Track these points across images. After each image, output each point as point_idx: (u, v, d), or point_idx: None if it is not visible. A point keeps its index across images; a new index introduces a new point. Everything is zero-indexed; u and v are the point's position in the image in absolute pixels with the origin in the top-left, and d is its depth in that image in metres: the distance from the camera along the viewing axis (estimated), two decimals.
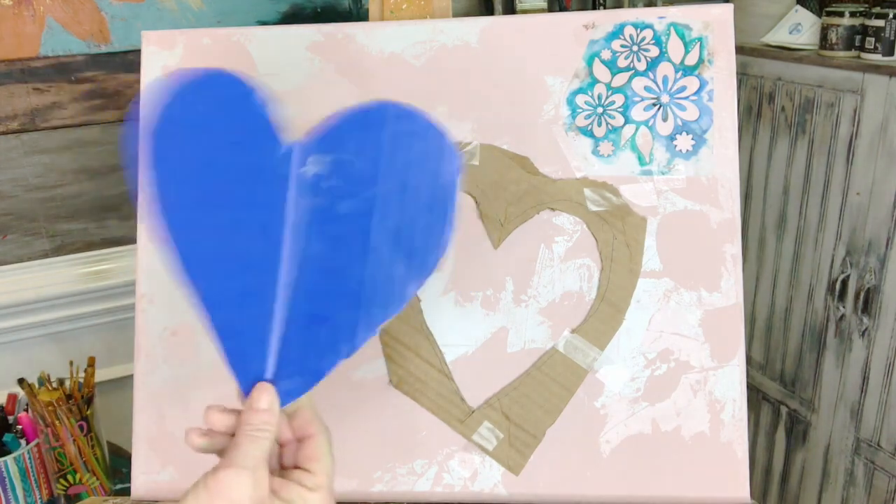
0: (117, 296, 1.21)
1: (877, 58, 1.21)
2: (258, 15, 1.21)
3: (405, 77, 0.71)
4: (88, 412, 0.97)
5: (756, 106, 1.43)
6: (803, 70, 1.31)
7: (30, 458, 0.94)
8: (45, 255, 1.19)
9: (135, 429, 0.71)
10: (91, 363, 1.01)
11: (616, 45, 0.70)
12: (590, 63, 0.70)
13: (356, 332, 0.49)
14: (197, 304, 0.49)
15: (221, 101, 0.50)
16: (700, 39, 0.69)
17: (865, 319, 1.25)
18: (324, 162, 0.49)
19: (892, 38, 1.19)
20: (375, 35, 0.71)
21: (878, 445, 1.26)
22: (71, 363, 1.00)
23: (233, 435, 0.47)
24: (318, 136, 0.50)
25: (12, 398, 0.99)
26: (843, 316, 1.29)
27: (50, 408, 0.94)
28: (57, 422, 0.94)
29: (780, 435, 1.49)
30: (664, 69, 0.70)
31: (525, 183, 0.70)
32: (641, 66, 0.70)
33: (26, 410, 0.97)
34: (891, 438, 1.24)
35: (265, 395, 0.47)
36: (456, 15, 1.23)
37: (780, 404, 1.48)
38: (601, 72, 0.70)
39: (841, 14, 1.26)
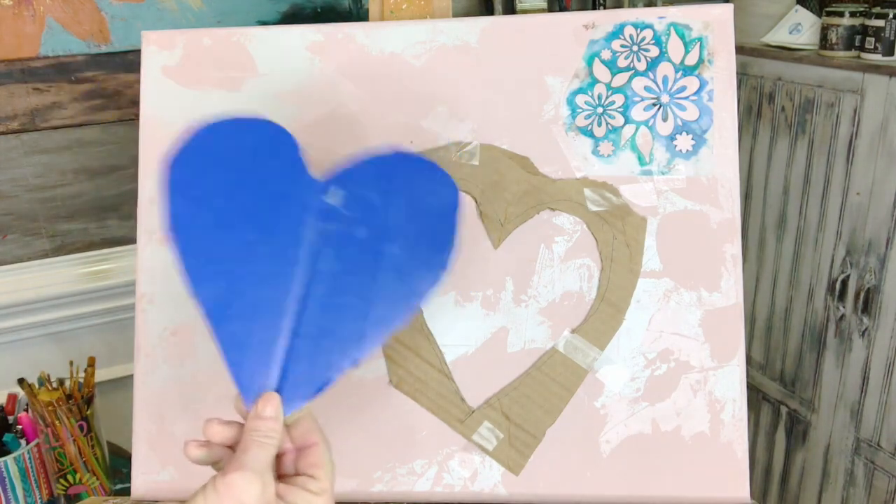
0: (117, 296, 1.21)
1: (877, 58, 1.21)
2: (258, 15, 1.21)
3: (405, 77, 0.71)
4: (88, 412, 0.97)
5: (756, 106, 1.43)
6: (803, 70, 1.31)
7: (30, 458, 0.94)
8: (45, 255, 1.19)
9: (135, 429, 0.71)
10: (91, 363, 1.00)
11: (616, 45, 0.70)
12: (590, 63, 0.70)
13: (362, 344, 0.54)
14: (203, 315, 0.53)
15: (262, 141, 0.57)
16: (700, 39, 0.69)
17: (865, 319, 1.25)
18: (343, 194, 0.56)
19: (892, 38, 1.19)
20: (375, 35, 0.71)
21: (878, 445, 1.26)
22: (71, 363, 1.00)
23: (230, 447, 0.49)
24: (341, 172, 0.57)
25: (12, 398, 0.99)
26: (843, 316, 1.29)
27: (50, 408, 0.94)
28: (57, 422, 0.94)
29: (780, 435, 1.49)
30: (664, 69, 0.70)
31: (525, 183, 0.70)
32: (641, 66, 0.70)
33: (26, 410, 0.97)
34: (891, 438, 1.24)
35: (271, 404, 0.50)
36: (456, 15, 1.23)
37: (780, 404, 1.48)
38: (601, 72, 0.70)
39: (841, 14, 1.26)
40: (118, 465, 1.05)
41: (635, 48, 0.70)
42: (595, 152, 0.70)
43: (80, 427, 0.96)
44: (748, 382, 1.33)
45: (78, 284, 1.18)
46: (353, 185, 0.57)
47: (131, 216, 1.22)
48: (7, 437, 0.94)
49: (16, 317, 1.16)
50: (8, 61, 1.10)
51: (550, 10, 1.35)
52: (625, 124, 0.70)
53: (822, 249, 1.32)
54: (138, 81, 0.73)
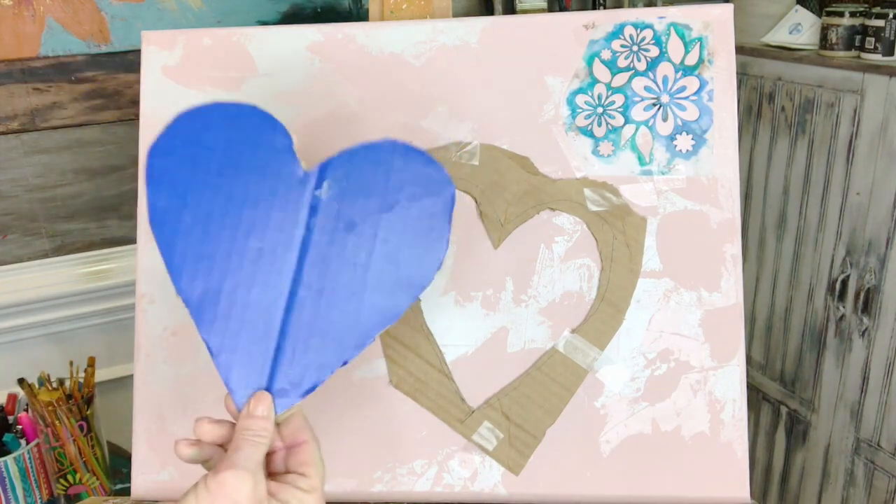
0: (117, 296, 1.21)
1: (877, 58, 1.21)
2: (258, 15, 1.21)
3: (405, 77, 0.71)
4: (88, 412, 0.97)
5: (756, 106, 1.43)
6: (803, 70, 1.31)
7: (30, 458, 0.94)
8: (45, 255, 1.19)
9: (135, 429, 0.71)
10: (91, 363, 1.01)
11: (616, 45, 0.70)
12: (590, 63, 0.70)
13: (352, 344, 0.53)
14: (192, 317, 0.52)
15: (248, 130, 0.54)
16: (700, 39, 0.69)
17: (865, 319, 1.25)
18: (337, 187, 0.54)
19: (892, 38, 1.19)
20: (375, 35, 0.71)
21: (878, 445, 1.26)
22: (71, 363, 1.00)
23: (220, 445, 0.50)
24: (334, 164, 0.55)
25: (12, 398, 0.99)
26: (843, 316, 1.29)
27: (50, 408, 0.94)
28: (57, 422, 0.94)
29: (780, 435, 1.49)
30: (664, 69, 0.70)
31: (525, 183, 0.70)
32: (641, 66, 0.70)
33: (26, 410, 0.97)
34: (891, 438, 1.24)
35: (263, 403, 0.50)
36: (456, 15, 1.23)
37: (780, 404, 1.48)
38: (601, 72, 0.70)
39: (841, 14, 1.26)
40: (118, 465, 1.05)
41: (635, 48, 0.70)
42: (595, 152, 0.70)
43: (80, 427, 0.96)
44: (748, 382, 1.33)
45: (78, 284, 1.18)
46: (344, 177, 0.55)
47: (131, 216, 1.22)
48: (7, 437, 0.94)
49: (16, 317, 1.16)
50: (8, 61, 1.10)
51: (550, 10, 1.35)
52: (625, 124, 0.70)
53: (822, 249, 1.32)
54: (138, 81, 0.73)
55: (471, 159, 0.71)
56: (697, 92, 0.69)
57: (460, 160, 0.71)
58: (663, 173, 0.70)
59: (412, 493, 0.70)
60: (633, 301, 0.69)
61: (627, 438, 0.69)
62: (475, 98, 0.71)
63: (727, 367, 0.69)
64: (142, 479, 0.71)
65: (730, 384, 0.69)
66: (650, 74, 0.70)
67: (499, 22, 0.71)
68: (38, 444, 0.95)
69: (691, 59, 0.69)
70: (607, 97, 0.70)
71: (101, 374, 1.10)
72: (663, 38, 0.70)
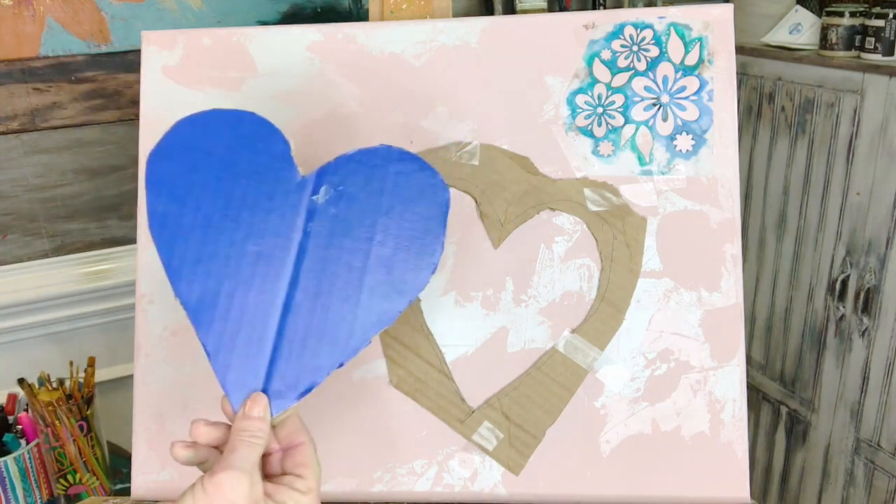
0: (117, 296, 1.21)
1: (877, 58, 1.21)
2: (258, 15, 1.21)
3: (405, 77, 0.71)
4: (88, 412, 0.97)
5: (756, 106, 1.43)
6: (803, 70, 1.31)
7: (30, 458, 0.94)
8: (45, 255, 1.19)
9: (135, 429, 0.71)
10: (91, 363, 1.00)
11: (616, 45, 0.70)
12: (590, 63, 0.70)
13: (348, 346, 0.53)
14: (190, 319, 0.53)
15: (246, 135, 0.56)
16: (700, 39, 0.69)
17: (865, 319, 1.25)
18: (333, 192, 0.55)
19: (892, 38, 1.19)
20: (375, 35, 0.71)
21: (878, 445, 1.26)
22: (71, 363, 1.00)
23: (216, 447, 0.50)
24: (331, 170, 0.56)
25: (12, 398, 0.99)
26: (843, 316, 1.29)
27: (50, 408, 0.94)
28: (57, 422, 0.94)
29: (780, 435, 1.49)
30: (664, 69, 0.70)
31: (525, 183, 0.70)
32: (641, 66, 0.70)
33: (26, 410, 0.97)
34: (891, 438, 1.24)
35: (259, 405, 0.50)
36: (456, 15, 1.23)
37: (780, 404, 1.48)
38: (601, 72, 0.70)
39: (841, 14, 1.26)
40: (118, 465, 1.05)
41: (635, 48, 0.70)
42: (595, 152, 0.70)
43: (80, 427, 0.96)
44: (748, 382, 1.33)
45: (78, 284, 1.18)
46: (341, 182, 0.55)
47: (131, 216, 1.22)
48: (7, 437, 0.94)
49: (16, 317, 1.16)
50: (8, 61, 1.10)
51: (550, 10, 1.35)
52: (625, 124, 0.70)
53: (822, 249, 1.32)
54: (138, 81, 0.73)
55: (471, 159, 0.71)
56: (697, 92, 0.69)
57: (460, 160, 0.71)
58: (663, 173, 0.70)
59: (412, 493, 0.70)
60: (633, 301, 0.69)
61: (627, 438, 0.69)
62: (475, 98, 0.71)
63: (727, 367, 0.69)
64: (142, 479, 0.71)
65: (730, 384, 0.69)
66: (650, 74, 0.70)
67: (499, 22, 0.71)
68: (38, 444, 0.95)
69: (691, 59, 0.69)
70: (607, 97, 0.70)
71: (101, 374, 1.10)
72: (663, 38, 0.70)
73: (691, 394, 0.69)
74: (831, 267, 1.30)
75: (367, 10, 0.87)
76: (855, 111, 1.21)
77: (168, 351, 0.71)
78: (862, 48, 1.24)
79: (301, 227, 0.54)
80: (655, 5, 1.41)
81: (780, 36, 1.41)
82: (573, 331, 0.70)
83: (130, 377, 0.72)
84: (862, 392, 1.27)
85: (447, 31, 0.71)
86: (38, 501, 0.95)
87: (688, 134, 0.70)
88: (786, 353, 1.45)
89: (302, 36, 0.72)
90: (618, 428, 0.69)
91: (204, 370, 0.71)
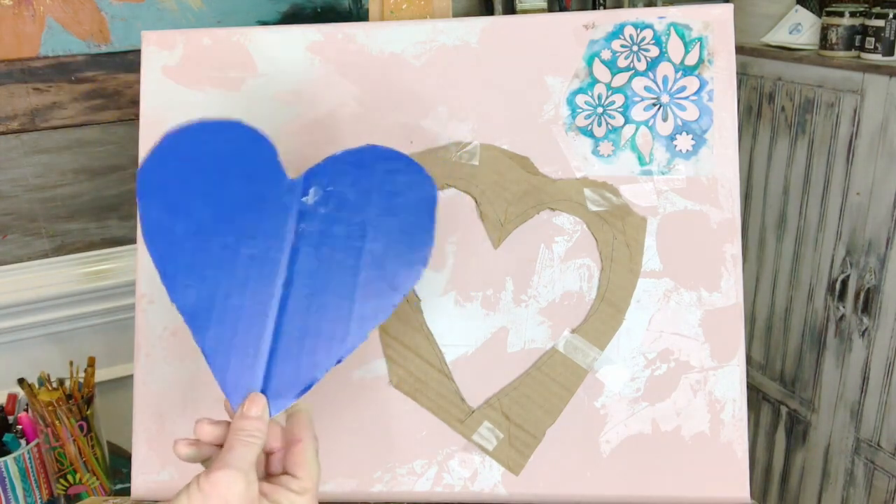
0: (117, 296, 1.21)
1: (877, 58, 1.21)
2: (258, 15, 1.21)
3: (405, 77, 0.71)
4: (88, 412, 0.97)
5: (756, 106, 1.43)
6: (803, 70, 1.31)
7: (30, 458, 0.94)
8: (45, 255, 1.19)
9: (135, 429, 0.71)
10: (91, 363, 1.01)
11: (616, 45, 0.70)
12: (590, 63, 0.70)
13: (344, 342, 0.54)
14: (186, 323, 0.54)
15: (234, 143, 0.57)
16: (700, 39, 0.69)
17: (865, 319, 1.25)
18: (322, 193, 0.56)
19: (892, 38, 1.19)
20: (375, 35, 0.71)
21: (878, 445, 1.26)
22: (71, 363, 1.00)
23: (219, 446, 0.50)
24: (319, 171, 0.57)
25: (12, 398, 0.99)
26: (843, 316, 1.29)
27: (50, 408, 0.94)
28: (57, 422, 0.94)
29: (780, 435, 1.49)
30: (664, 69, 0.70)
31: (525, 183, 0.70)
32: (641, 66, 0.70)
33: (26, 410, 0.97)
34: (891, 438, 1.24)
35: (257, 405, 0.50)
36: (456, 15, 1.23)
37: (780, 404, 1.48)
38: (601, 72, 0.70)
39: (841, 14, 1.26)
40: (118, 465, 1.05)
41: (635, 48, 0.70)
42: (595, 152, 0.70)
43: (80, 427, 0.96)
44: (748, 382, 1.33)
45: (78, 284, 1.18)
46: (329, 183, 0.57)
47: (131, 216, 1.22)
48: (7, 437, 0.94)
49: (16, 317, 1.16)
50: (8, 61, 1.10)
51: (550, 10, 1.35)
52: (625, 124, 0.70)
53: (822, 249, 1.32)
54: (138, 81, 0.73)
55: (471, 159, 0.71)
56: (697, 92, 0.69)
57: (460, 160, 0.71)
58: (663, 173, 0.70)
59: (412, 493, 0.70)
60: (633, 301, 0.69)
61: (627, 438, 0.69)
62: (475, 98, 0.71)
63: (727, 367, 0.69)
64: (142, 479, 0.71)
65: (730, 384, 0.69)
66: (650, 74, 0.70)
67: (499, 22, 0.71)
68: (38, 444, 0.95)
69: (691, 59, 0.69)
70: (607, 97, 0.70)
71: (101, 374, 1.10)
72: (663, 38, 0.70)
73: (691, 394, 0.69)
74: (831, 267, 1.30)
75: (367, 10, 0.87)
76: (855, 111, 1.21)
77: (168, 351, 0.71)
78: (862, 48, 1.24)
79: (293, 229, 0.56)
80: (655, 5, 1.41)
81: (780, 36, 1.41)
82: (573, 331, 0.70)
83: (130, 377, 0.72)
84: (862, 392, 1.27)
85: (447, 31, 0.71)
86: (38, 501, 0.95)
87: (688, 134, 0.70)
88: (786, 353, 1.45)
89: (302, 36, 0.72)
90: (618, 428, 0.69)
91: (204, 370, 0.71)
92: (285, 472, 0.50)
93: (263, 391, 0.52)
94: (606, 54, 0.70)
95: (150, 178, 0.56)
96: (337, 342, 0.53)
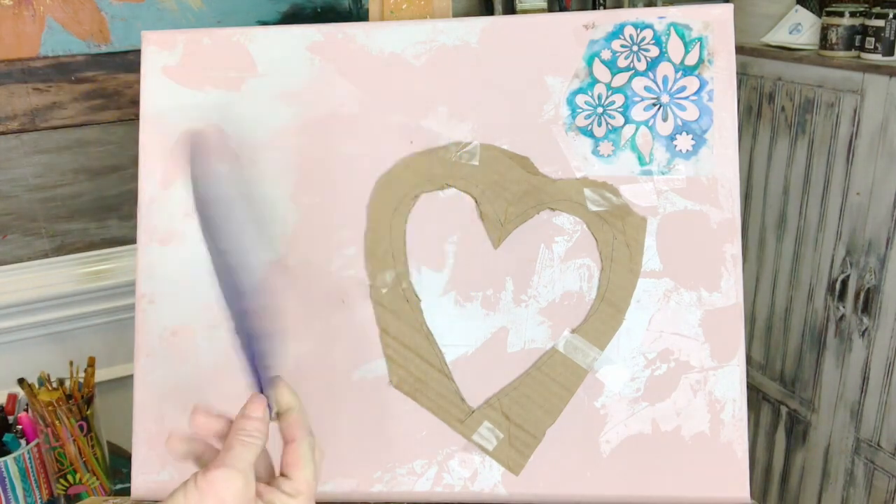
0: (117, 296, 1.21)
1: (877, 58, 1.21)
2: (258, 15, 1.21)
3: (405, 77, 0.71)
4: (88, 412, 0.97)
5: (756, 106, 1.43)
6: (803, 70, 1.31)
7: (30, 458, 0.94)
8: (45, 255, 1.19)
9: (135, 429, 0.71)
10: (91, 363, 1.01)
11: (616, 45, 0.70)
12: (590, 63, 0.70)
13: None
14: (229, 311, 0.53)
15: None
16: (700, 39, 0.69)
17: (865, 319, 1.25)
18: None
19: (892, 38, 1.19)
20: (375, 35, 0.71)
21: (878, 445, 1.26)
22: (71, 363, 1.00)
23: (211, 444, 0.50)
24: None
25: (12, 398, 0.99)
26: (843, 316, 1.29)
27: (50, 408, 0.94)
28: (57, 422, 0.94)
29: (780, 435, 1.50)
30: (664, 69, 0.70)
31: (525, 183, 0.70)
32: (641, 66, 0.70)
33: (26, 410, 0.97)
34: (891, 438, 1.24)
35: (258, 405, 0.50)
36: (456, 15, 1.23)
37: (780, 404, 1.48)
38: (601, 72, 0.70)
39: (841, 14, 1.26)
40: (118, 465, 1.05)
41: (635, 48, 0.70)
42: (595, 152, 0.70)
43: (80, 427, 0.96)
44: (748, 382, 1.33)
45: (78, 284, 1.18)
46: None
47: (131, 216, 1.22)
48: (7, 437, 0.94)
49: (16, 317, 1.16)
50: (8, 61, 1.10)
51: (550, 10, 1.35)
52: (625, 124, 0.70)
53: (822, 249, 1.32)
54: (138, 81, 0.73)
55: (471, 159, 0.71)
56: (697, 92, 0.69)
57: (460, 160, 0.71)
58: (663, 173, 0.70)
59: (412, 493, 0.70)
60: (633, 301, 0.69)
61: (627, 438, 0.69)
62: (475, 98, 0.71)
63: (727, 367, 0.69)
64: (142, 479, 0.71)
65: (730, 384, 0.69)
66: (650, 74, 0.70)
67: (499, 22, 0.71)
68: (38, 444, 0.95)
69: (691, 59, 0.69)
70: (607, 97, 0.70)
71: (101, 374, 1.10)
72: (663, 38, 0.70)
73: (691, 394, 0.69)
74: (831, 267, 1.30)
75: (367, 10, 0.87)
76: (855, 111, 1.21)
77: (168, 351, 0.71)
78: (862, 48, 1.24)
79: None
80: (655, 5, 1.41)
81: (780, 36, 1.41)
82: (573, 331, 0.70)
83: (130, 377, 0.72)
84: (862, 392, 1.28)
85: (447, 31, 0.71)
86: (38, 501, 0.95)
87: (688, 134, 0.70)
88: (786, 353, 1.45)
89: (302, 36, 0.72)
90: (618, 428, 0.69)
91: (204, 370, 0.71)
92: (281, 473, 0.50)
93: (260, 390, 0.52)
94: (606, 54, 0.70)
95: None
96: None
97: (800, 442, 1.44)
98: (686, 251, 0.69)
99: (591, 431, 0.69)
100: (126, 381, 1.20)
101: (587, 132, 0.70)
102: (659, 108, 0.70)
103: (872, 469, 1.28)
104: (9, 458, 0.92)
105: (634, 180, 0.70)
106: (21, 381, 0.95)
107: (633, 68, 0.70)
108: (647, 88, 0.70)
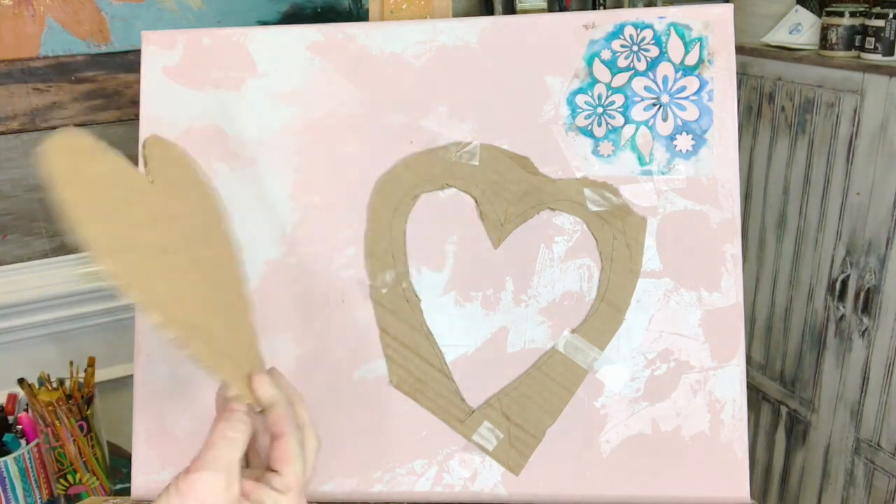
0: (117, 296, 1.21)
1: (877, 58, 1.21)
2: (258, 15, 1.21)
3: (405, 77, 0.71)
4: (88, 412, 0.97)
5: (756, 106, 1.43)
6: (803, 70, 1.31)
7: (30, 458, 0.94)
8: (45, 255, 1.19)
9: (135, 429, 0.71)
10: (91, 363, 1.00)
11: (616, 45, 0.70)
12: (590, 63, 0.70)
13: None
14: None
15: None
16: (700, 39, 0.69)
17: (865, 319, 1.25)
18: None
19: (892, 38, 1.19)
20: (375, 35, 0.71)
21: (878, 445, 1.26)
22: (71, 363, 1.00)
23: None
24: None
25: (12, 398, 0.98)
26: (843, 316, 1.29)
27: (50, 408, 0.94)
28: (57, 422, 0.94)
29: (780, 435, 1.49)
30: (664, 69, 0.70)
31: (525, 183, 0.70)
32: (641, 66, 0.70)
33: (26, 410, 0.97)
34: (891, 438, 1.24)
35: (241, 403, 0.48)
36: (456, 15, 1.23)
37: (780, 404, 1.48)
38: (601, 72, 0.70)
39: (841, 14, 1.26)
40: (118, 465, 1.05)
41: (635, 48, 0.70)
42: (595, 152, 0.70)
43: (80, 427, 0.96)
44: (748, 382, 1.33)
45: (78, 284, 1.18)
46: None
47: None
48: (7, 437, 0.94)
49: (16, 317, 1.16)
50: (8, 61, 1.10)
51: (550, 10, 1.35)
52: (625, 124, 0.70)
53: (822, 249, 1.32)
54: (138, 81, 0.73)
55: (471, 159, 0.71)
56: (697, 92, 0.69)
57: (460, 160, 0.71)
58: (663, 173, 0.70)
59: (412, 493, 0.70)
60: (633, 301, 0.69)
61: (627, 438, 0.69)
62: (475, 98, 0.71)
63: (727, 367, 0.69)
64: (142, 479, 0.71)
65: (730, 384, 0.69)
66: (650, 74, 0.70)
67: (499, 22, 0.71)
68: (38, 444, 0.95)
69: (691, 59, 0.69)
70: (607, 97, 0.70)
71: (101, 374, 1.10)
72: (663, 38, 0.70)
73: (691, 394, 0.69)
74: (831, 267, 1.30)
75: (367, 10, 0.87)
76: (855, 111, 1.21)
77: (168, 351, 0.71)
78: (862, 48, 1.24)
79: None
80: (655, 5, 1.41)
81: (780, 36, 1.41)
82: (573, 331, 0.70)
83: (130, 377, 0.72)
84: (862, 392, 1.27)
85: (447, 31, 0.71)
86: (38, 501, 0.95)
87: (688, 134, 0.70)
88: (786, 353, 1.45)
89: (302, 36, 0.72)
90: (618, 428, 0.69)
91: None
92: (269, 469, 0.48)
93: None
94: (606, 54, 0.70)
95: None
96: None
97: (800, 442, 1.44)
98: (686, 251, 0.69)
99: (591, 431, 0.69)
100: (126, 381, 1.20)
101: (587, 132, 0.70)
102: (659, 108, 0.70)
103: (872, 469, 1.28)
104: (9, 458, 0.92)
105: (634, 180, 0.70)
106: (21, 381, 0.95)
107: (633, 68, 0.70)
108: (647, 88, 0.70)
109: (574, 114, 0.70)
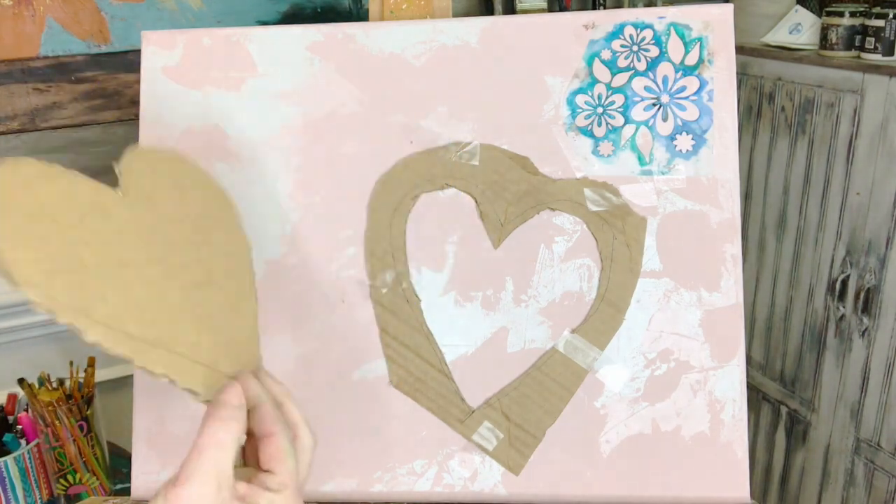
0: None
1: (877, 58, 1.21)
2: (258, 15, 1.21)
3: (405, 77, 0.71)
4: (88, 412, 0.97)
5: (756, 106, 1.43)
6: (803, 70, 1.31)
7: (30, 458, 0.94)
8: None
9: (135, 429, 0.71)
10: (91, 363, 1.00)
11: (616, 45, 0.70)
12: (590, 63, 0.70)
13: None
14: None
15: None
16: (700, 39, 0.69)
17: (865, 319, 1.25)
18: None
19: (892, 38, 1.19)
20: (375, 35, 0.71)
21: (878, 445, 1.26)
22: (71, 363, 1.00)
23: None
24: None
25: (12, 398, 0.98)
26: (843, 316, 1.29)
27: (50, 408, 0.94)
28: (57, 422, 0.94)
29: (780, 435, 1.50)
30: (664, 69, 0.70)
31: (525, 183, 0.70)
32: (641, 66, 0.70)
33: (26, 410, 0.97)
34: (891, 438, 1.24)
35: (233, 393, 0.47)
36: (456, 15, 1.23)
37: (780, 404, 1.48)
38: (601, 72, 0.70)
39: (841, 14, 1.26)
40: (118, 465, 1.05)
41: (635, 48, 0.70)
42: (595, 152, 0.70)
43: (80, 427, 0.96)
44: (748, 382, 1.33)
45: None
46: None
47: None
48: (7, 437, 0.94)
49: (16, 317, 1.16)
50: (8, 61, 1.10)
51: (550, 10, 1.35)
52: (625, 124, 0.70)
53: (822, 249, 1.32)
54: (138, 81, 0.73)
55: (471, 159, 0.71)
56: (697, 92, 0.69)
57: (460, 160, 0.71)
58: (663, 173, 0.70)
59: (412, 493, 0.70)
60: (633, 301, 0.69)
61: (627, 438, 0.69)
62: (475, 98, 0.71)
63: (727, 367, 0.69)
64: (142, 479, 0.71)
65: (730, 384, 0.69)
66: (650, 74, 0.70)
67: (499, 22, 0.71)
68: (38, 444, 0.95)
69: (691, 59, 0.69)
70: (607, 97, 0.70)
71: (101, 374, 1.10)
72: (663, 38, 0.70)
73: (691, 394, 0.69)
74: (831, 267, 1.30)
75: (367, 10, 0.87)
76: (855, 111, 1.21)
77: None
78: (862, 48, 1.24)
79: None
80: (655, 5, 1.41)
81: (780, 36, 1.41)
82: (573, 331, 0.70)
83: (130, 377, 0.72)
84: (862, 392, 1.28)
85: (447, 31, 0.71)
86: (38, 501, 0.95)
87: (688, 134, 0.70)
88: (786, 353, 1.45)
89: (302, 36, 0.72)
90: (618, 428, 0.69)
91: None
92: (261, 469, 0.47)
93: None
94: (606, 54, 0.70)
95: None
96: None
97: (800, 442, 1.44)
98: (686, 251, 0.69)
99: (591, 431, 0.69)
100: (126, 381, 1.20)
101: (587, 132, 0.70)
102: (659, 108, 0.70)
103: (872, 469, 1.28)
104: (9, 458, 0.92)
105: (634, 180, 0.70)
106: (21, 381, 0.95)
107: (633, 68, 0.70)
108: (647, 88, 0.70)
109: (574, 114, 0.70)
